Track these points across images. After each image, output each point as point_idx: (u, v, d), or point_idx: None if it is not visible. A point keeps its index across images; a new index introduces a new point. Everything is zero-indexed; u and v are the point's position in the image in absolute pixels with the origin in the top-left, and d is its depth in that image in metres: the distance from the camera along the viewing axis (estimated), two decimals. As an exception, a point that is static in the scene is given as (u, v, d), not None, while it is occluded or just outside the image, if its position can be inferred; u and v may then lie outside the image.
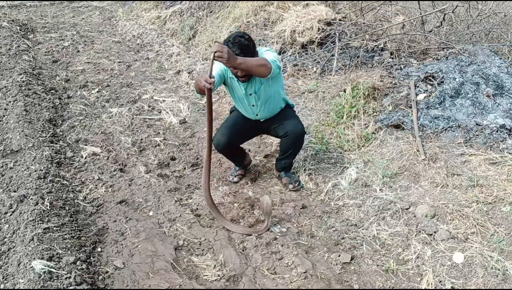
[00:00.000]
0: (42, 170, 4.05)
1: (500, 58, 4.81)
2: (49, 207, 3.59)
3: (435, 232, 3.24)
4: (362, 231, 3.46)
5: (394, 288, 2.96)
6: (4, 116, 5.28)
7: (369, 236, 3.40)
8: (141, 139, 4.91)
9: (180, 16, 8.60)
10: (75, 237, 3.39)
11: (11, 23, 9.49)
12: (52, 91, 6.18)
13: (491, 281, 2.83)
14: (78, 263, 3.07)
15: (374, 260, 3.20)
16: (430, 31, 5.61)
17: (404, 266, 3.11)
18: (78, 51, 8.08)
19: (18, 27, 9.34)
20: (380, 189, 3.76)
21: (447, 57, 4.99)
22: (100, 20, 10.47)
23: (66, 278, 2.89)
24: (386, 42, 5.74)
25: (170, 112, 5.53)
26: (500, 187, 3.45)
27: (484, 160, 3.74)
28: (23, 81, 6.10)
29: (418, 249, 3.17)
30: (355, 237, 3.43)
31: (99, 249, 3.36)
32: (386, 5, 6.01)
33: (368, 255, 3.25)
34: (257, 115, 3.91)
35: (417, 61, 5.26)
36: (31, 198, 3.63)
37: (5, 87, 6.04)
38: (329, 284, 3.01)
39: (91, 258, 3.24)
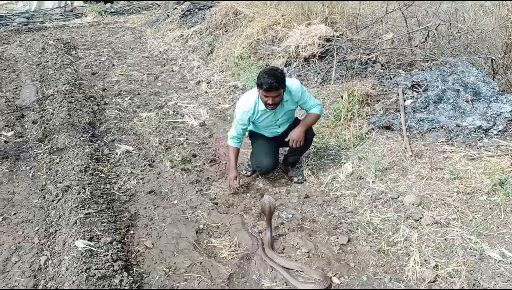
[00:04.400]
0: (83, 165, 4.09)
1: (477, 69, 4.78)
2: (89, 196, 3.62)
3: (421, 218, 3.23)
4: (357, 217, 3.46)
5: (396, 289, 2.95)
6: (51, 119, 5.33)
7: (364, 222, 3.39)
8: (167, 139, 4.93)
9: (200, 34, 8.62)
10: (111, 221, 3.41)
11: (56, 41, 9.57)
12: (91, 98, 6.23)
13: (470, 259, 2.82)
14: (114, 243, 3.09)
15: (368, 242, 3.19)
16: (416, 46, 5.58)
17: (394, 247, 3.10)
18: (113, 65, 8.13)
19: (62, 45, 9.41)
20: (372, 181, 3.75)
21: (431, 68, 4.96)
22: (132, 38, 10.52)
23: (104, 255, 2.91)
24: (377, 55, 5.71)
25: (191, 116, 5.55)
26: (477, 180, 3.42)
27: (463, 156, 3.72)
28: (67, 90, 6.15)
29: (406, 233, 3.16)
30: (351, 222, 3.42)
31: (131, 232, 3.38)
32: (378, 24, 5.98)
33: (362, 237, 3.25)
34: (279, 133, 3.97)
35: (405, 71, 5.24)
36: (74, 188, 3.66)
37: (51, 95, 6.10)
38: (328, 262, 3.01)
39: (125, 239, 3.26)
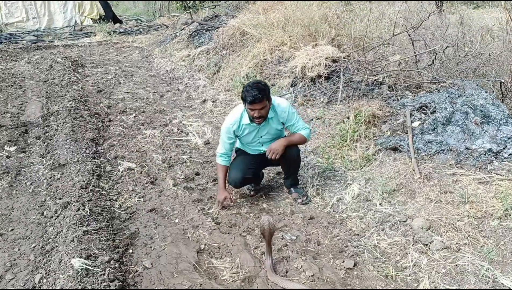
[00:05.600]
0: (84, 181, 4.01)
1: (486, 92, 4.69)
2: (89, 213, 3.53)
3: (430, 243, 3.09)
4: (364, 240, 3.33)
5: (395, 288, 2.81)
6: (54, 135, 5.28)
7: (370, 245, 3.26)
8: (170, 157, 4.86)
9: (207, 54, 8.65)
10: (110, 240, 3.31)
11: (64, 59, 9.64)
12: (96, 115, 6.20)
13: (482, 287, 2.67)
14: (111, 262, 2.98)
15: (375, 267, 3.06)
16: (423, 68, 5.53)
17: (402, 273, 2.96)
18: (119, 83, 8.14)
19: (70, 62, 9.48)
20: (380, 204, 3.63)
21: (439, 90, 4.88)
22: (139, 57, 10.59)
23: (100, 275, 2.80)
24: (384, 77, 5.66)
25: (196, 134, 5.49)
26: (488, 204, 3.30)
27: (473, 179, 3.60)
28: (72, 106, 6.14)
29: (415, 258, 3.03)
30: (357, 245, 3.30)
31: (130, 251, 3.27)
32: (384, 46, 5.95)
33: (369, 261, 3.11)
34: (261, 150, 3.88)
35: (412, 93, 5.16)
36: (74, 205, 3.58)
37: (56, 111, 6.08)
38: (334, 287, 2.88)
39: (123, 258, 3.15)
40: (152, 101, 6.99)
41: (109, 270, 2.86)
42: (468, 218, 3.22)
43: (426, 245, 3.09)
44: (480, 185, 3.54)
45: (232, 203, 3.84)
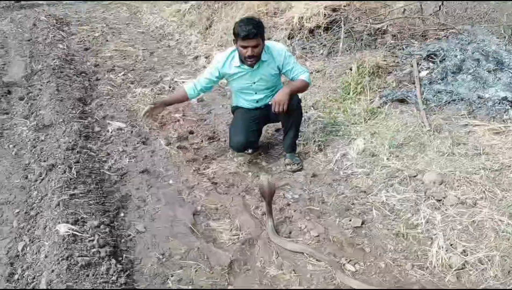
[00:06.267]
0: (70, 142, 3.74)
1: (498, 38, 4.38)
2: (76, 175, 3.27)
3: (444, 198, 2.88)
4: (371, 197, 3.12)
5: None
6: (38, 95, 4.96)
7: (378, 202, 3.05)
8: (162, 116, 4.56)
9: (198, 8, 8.18)
10: (99, 203, 3.07)
11: (48, 17, 9.16)
12: (82, 74, 5.85)
13: (503, 244, 2.47)
14: (101, 227, 2.75)
15: (384, 225, 2.86)
16: (430, 15, 5.18)
17: (414, 230, 2.76)
18: (107, 40, 7.72)
19: (54, 21, 8.99)
20: (387, 159, 3.39)
21: (447, 37, 4.57)
22: (127, 14, 10.08)
23: (89, 241, 2.58)
24: (388, 26, 5.31)
25: (189, 91, 5.17)
26: (505, 155, 3.07)
27: (488, 130, 3.36)
28: (57, 65, 5.78)
29: (427, 214, 2.82)
30: (364, 203, 3.09)
31: (122, 214, 3.05)
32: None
33: (378, 220, 2.91)
34: (257, 102, 3.58)
35: (418, 42, 4.84)
36: (59, 167, 3.32)
37: (40, 70, 5.72)
38: (341, 247, 2.68)
39: (115, 222, 2.93)
40: (141, 58, 6.62)
41: (98, 235, 2.63)
42: (484, 170, 3.00)
43: (440, 200, 2.87)
44: (495, 135, 3.30)
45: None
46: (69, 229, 2.59)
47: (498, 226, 2.58)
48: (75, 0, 11.70)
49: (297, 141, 3.71)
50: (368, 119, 3.93)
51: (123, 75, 5.85)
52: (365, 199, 3.12)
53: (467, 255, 2.48)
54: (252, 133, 3.56)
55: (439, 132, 3.49)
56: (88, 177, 3.37)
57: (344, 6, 5.63)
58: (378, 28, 5.17)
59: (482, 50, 4.06)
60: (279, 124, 4.11)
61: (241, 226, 2.89)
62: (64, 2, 11.65)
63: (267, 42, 3.37)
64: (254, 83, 3.45)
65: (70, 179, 3.19)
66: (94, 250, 2.51)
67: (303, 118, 3.84)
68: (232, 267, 2.55)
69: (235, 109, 3.75)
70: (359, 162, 3.47)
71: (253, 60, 3.24)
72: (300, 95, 3.63)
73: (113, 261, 2.48)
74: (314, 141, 3.82)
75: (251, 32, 3.09)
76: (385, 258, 2.58)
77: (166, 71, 6.01)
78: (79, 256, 2.41)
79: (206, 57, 6.30)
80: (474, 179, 2.95)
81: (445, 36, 4.60)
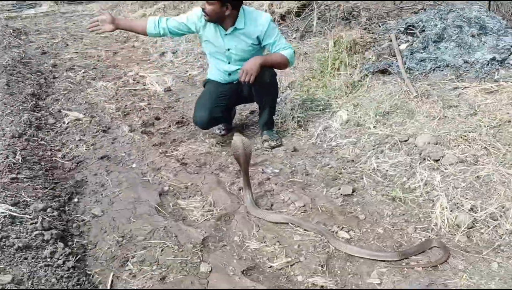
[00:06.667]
0: (18, 131, 3.30)
1: (479, 5, 4.19)
2: (21, 161, 2.84)
3: (441, 157, 2.57)
4: (361, 166, 2.79)
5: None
6: (-15, 92, 4.49)
7: (369, 169, 2.73)
8: (126, 106, 4.17)
9: (164, 11, 7.88)
10: (48, 188, 2.64)
11: (4, 27, 8.64)
12: (38, 73, 5.39)
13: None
14: (48, 210, 2.34)
15: (378, 191, 2.53)
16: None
17: (412, 194, 2.44)
18: (67, 45, 7.27)
19: (11, 30, 8.48)
20: (373, 126, 3.09)
21: (424, 9, 4.37)
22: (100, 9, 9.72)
23: (31, 223, 2.15)
24: (360, 9, 5.10)
25: (155, 83, 4.80)
26: (503, 111, 2.80)
27: (479, 90, 3.09)
28: (9, 64, 5.31)
29: (425, 176, 2.50)
30: (353, 171, 2.76)
31: (75, 200, 2.63)
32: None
33: (370, 186, 2.58)
34: (229, 75, 3.22)
35: (395, 19, 4.63)
36: (1, 153, 2.87)
37: (-10, 70, 5.25)
38: (331, 216, 2.33)
39: (65, 207, 2.50)
40: (104, 58, 6.20)
41: (43, 218, 2.21)
42: (482, 128, 2.71)
43: (437, 160, 2.57)
44: (488, 95, 3.04)
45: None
46: (6, 210, 2.15)
47: (506, 179, 2.27)
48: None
49: (274, 118, 3.37)
50: (349, 93, 3.64)
51: (83, 73, 5.41)
52: (353, 167, 2.79)
53: (476, 212, 2.16)
54: (218, 109, 3.19)
55: (427, 97, 3.22)
56: (37, 163, 2.94)
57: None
58: (351, 10, 4.94)
59: (463, 17, 3.86)
60: (254, 106, 3.78)
61: (215, 202, 2.51)
62: (24, 15, 11.19)
63: (250, 9, 3.06)
64: (228, 50, 3.11)
65: (14, 164, 2.75)
66: (36, 232, 2.08)
67: (278, 99, 3.51)
68: (205, 245, 2.15)
69: (205, 83, 3.39)
70: (343, 132, 3.15)
71: (205, 16, 2.95)
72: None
73: (60, 244, 2.07)
74: (293, 118, 3.49)
75: None
76: (382, 224, 2.24)
77: (131, 68, 5.61)
78: (16, 238, 1.97)
79: (173, 52, 5.95)
80: (472, 136, 2.66)
81: (422, 9, 4.40)
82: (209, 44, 3.17)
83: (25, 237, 2.00)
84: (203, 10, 2.93)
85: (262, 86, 3.04)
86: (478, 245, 2.04)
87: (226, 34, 3.05)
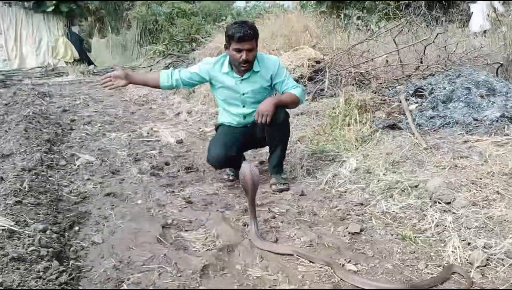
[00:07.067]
0: (28, 165, 3.33)
1: (486, 71, 4.32)
2: (27, 189, 2.83)
3: (453, 200, 2.50)
4: (369, 209, 2.71)
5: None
6: (2, 136, 4.60)
7: (378, 212, 2.65)
8: (137, 153, 4.21)
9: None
10: (50, 215, 2.60)
11: (31, 90, 9.08)
12: (56, 124, 5.55)
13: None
14: (47, 232, 2.28)
15: (387, 231, 2.43)
16: (412, 64, 5.18)
17: (423, 234, 2.35)
18: (88, 105, 7.58)
19: (36, 92, 8.90)
20: (383, 174, 3.05)
21: (433, 74, 4.50)
22: (112, 90, 10.12)
23: (28, 240, 2.09)
24: (371, 77, 5.28)
25: (168, 135, 4.89)
26: (514, 160, 2.76)
27: (490, 143, 3.08)
28: (29, 115, 5.50)
29: (436, 218, 2.42)
30: (362, 213, 2.68)
31: (77, 228, 2.56)
32: (368, 41, 5.64)
33: (379, 227, 2.49)
34: (245, 118, 3.29)
35: (405, 84, 4.76)
36: (9, 181, 2.88)
37: (12, 119, 5.42)
38: (338, 251, 2.22)
39: (65, 233, 2.44)
40: (121, 116, 6.41)
41: (41, 237, 2.15)
42: (493, 175, 2.66)
43: (448, 203, 2.49)
44: (499, 147, 3.02)
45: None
46: (6, 224, 2.10)
47: (521, 219, 2.18)
48: None
49: (283, 163, 3.36)
50: (359, 146, 3.65)
51: (100, 126, 5.57)
52: (362, 210, 2.71)
53: (490, 249, 2.05)
54: (233, 148, 3.20)
55: (437, 149, 3.20)
56: (42, 194, 2.91)
57: (326, 61, 5.64)
58: (361, 74, 5.12)
59: (471, 81, 3.95)
60: (264, 157, 3.80)
61: (218, 235, 2.42)
62: (51, 82, 11.77)
63: (260, 53, 3.19)
64: (244, 94, 3.19)
65: (19, 190, 2.74)
66: (33, 248, 2.02)
67: (288, 151, 3.52)
68: (205, 272, 2.05)
69: (218, 127, 3.44)
70: (352, 178, 3.11)
71: (247, 65, 3.02)
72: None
73: (55, 262, 1.99)
74: (302, 166, 3.48)
75: (247, 34, 2.90)
76: (392, 260, 2.13)
77: (146, 125, 5.76)
78: (11, 249, 1.91)
79: (188, 112, 6.13)
80: (484, 182, 2.60)
81: (430, 74, 4.54)
82: (225, 89, 3.23)
83: (21, 250, 1.94)
84: (243, 61, 2.96)
85: (276, 127, 3.07)
86: (493, 282, 1.90)
87: (242, 80, 3.15)
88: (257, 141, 3.40)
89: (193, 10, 15.61)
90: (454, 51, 5.08)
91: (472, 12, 9.21)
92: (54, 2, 13.82)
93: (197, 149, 4.43)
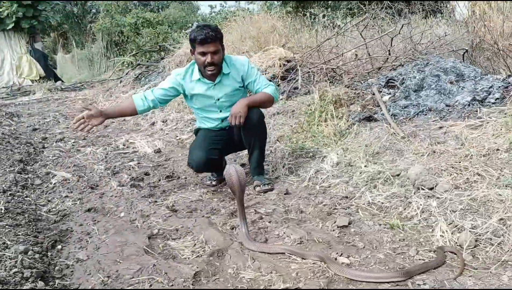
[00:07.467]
0: (2, 187, 3.20)
1: (453, 58, 4.41)
2: (4, 211, 2.72)
3: (435, 185, 2.53)
4: (355, 201, 2.72)
5: None
6: (-28, 159, 4.42)
7: (364, 204, 2.66)
8: (115, 166, 4.11)
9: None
10: (31, 235, 2.50)
11: (-3, 111, 8.79)
12: (27, 144, 5.37)
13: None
14: (29, 253, 2.18)
15: (375, 221, 2.44)
16: (381, 56, 5.26)
17: (410, 222, 2.37)
18: (59, 122, 7.37)
19: (3, 113, 8.61)
20: (365, 166, 3.06)
21: (402, 65, 4.57)
22: (82, 106, 9.88)
23: (10, 261, 2.00)
24: (342, 73, 5.32)
25: (145, 146, 4.80)
26: (490, 141, 2.83)
27: (465, 127, 3.14)
28: (-1, 137, 5.31)
29: (421, 204, 2.44)
30: (348, 206, 2.68)
31: (59, 247, 2.46)
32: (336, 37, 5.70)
33: (366, 218, 2.49)
34: (222, 121, 3.25)
35: (376, 76, 4.82)
36: (-16, 205, 2.76)
37: (-21, 142, 5.22)
38: (329, 246, 2.21)
39: (48, 253, 2.34)
40: (94, 130, 6.24)
41: (23, 258, 2.06)
42: (471, 158, 2.71)
43: (431, 188, 2.52)
44: (473, 130, 3.08)
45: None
46: (-16, 249, 2.00)
47: (504, 198, 2.22)
48: None
49: (264, 165, 3.33)
50: (338, 140, 3.66)
51: (73, 142, 5.42)
52: (348, 203, 2.71)
53: (477, 230, 2.07)
54: (214, 151, 3.16)
55: (414, 137, 3.25)
56: (20, 215, 2.81)
57: (297, 59, 5.66)
58: (333, 69, 5.15)
59: (440, 68, 4.03)
60: (245, 159, 3.77)
61: (207, 240, 2.38)
62: (18, 102, 11.42)
63: (228, 54, 3.15)
64: (219, 99, 3.14)
65: (-4, 214, 2.62)
66: (15, 270, 1.94)
67: (267, 151, 3.49)
68: (197, 279, 2.00)
69: (197, 132, 3.39)
70: (335, 173, 3.11)
71: (213, 68, 2.97)
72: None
73: (41, 283, 1.90)
74: (284, 165, 3.47)
75: (209, 36, 2.86)
76: (383, 250, 2.13)
77: (121, 137, 5.64)
78: (-8, 274, 1.82)
79: (163, 121, 6.04)
80: (463, 165, 2.64)
81: (400, 65, 4.61)
82: (199, 97, 3.17)
83: (3, 273, 1.85)
84: (209, 64, 2.92)
85: (251, 127, 3.04)
86: (484, 262, 1.93)
87: (215, 85, 3.10)
88: (236, 145, 3.36)
89: (158, 19, 15.48)
90: (419, 41, 5.18)
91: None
92: (13, 19, 13.42)
93: (176, 157, 4.36)
